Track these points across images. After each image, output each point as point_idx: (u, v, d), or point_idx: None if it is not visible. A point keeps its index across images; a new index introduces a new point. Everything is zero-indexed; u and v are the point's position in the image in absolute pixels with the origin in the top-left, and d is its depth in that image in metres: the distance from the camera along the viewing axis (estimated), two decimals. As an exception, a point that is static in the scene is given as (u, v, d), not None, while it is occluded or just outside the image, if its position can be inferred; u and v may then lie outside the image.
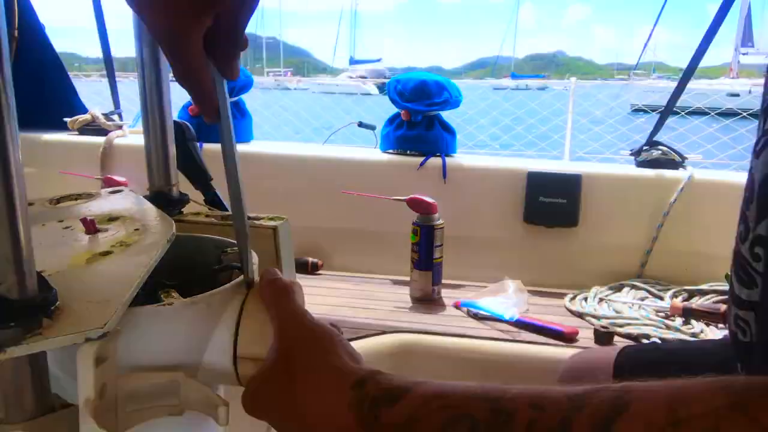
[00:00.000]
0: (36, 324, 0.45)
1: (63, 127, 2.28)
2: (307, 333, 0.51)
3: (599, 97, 4.59)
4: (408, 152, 2.03)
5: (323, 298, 1.72)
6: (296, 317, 0.52)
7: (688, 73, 2.08)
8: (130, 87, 2.56)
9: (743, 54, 30.69)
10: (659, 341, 1.43)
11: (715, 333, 1.49)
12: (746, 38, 31.82)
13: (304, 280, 2.03)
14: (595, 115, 3.96)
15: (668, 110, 2.08)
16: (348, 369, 0.48)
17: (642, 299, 1.68)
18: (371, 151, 2.14)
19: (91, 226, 0.65)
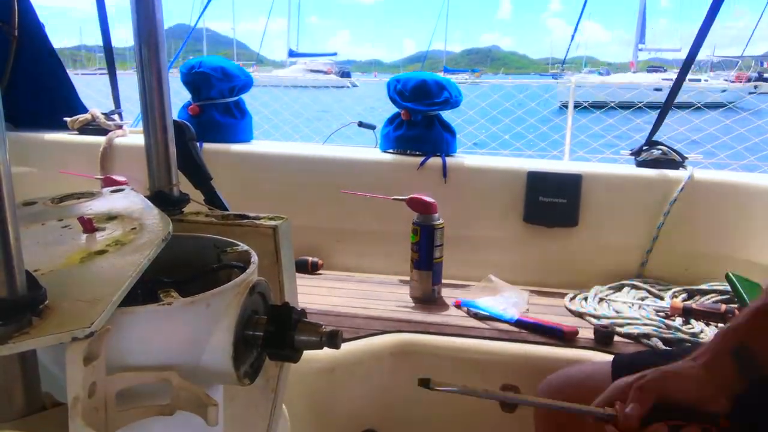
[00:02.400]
0: (24, 323, 0.45)
1: (63, 126, 2.28)
2: None
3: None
4: (408, 152, 2.03)
5: (323, 298, 1.72)
6: None
7: (685, 69, 2.07)
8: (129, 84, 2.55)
9: (640, 50, 37.10)
10: (654, 344, 1.42)
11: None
12: (642, 35, 37.74)
13: (304, 280, 2.04)
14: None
15: (666, 109, 2.07)
16: None
17: (642, 299, 1.68)
18: (371, 151, 2.13)
19: (88, 225, 0.65)
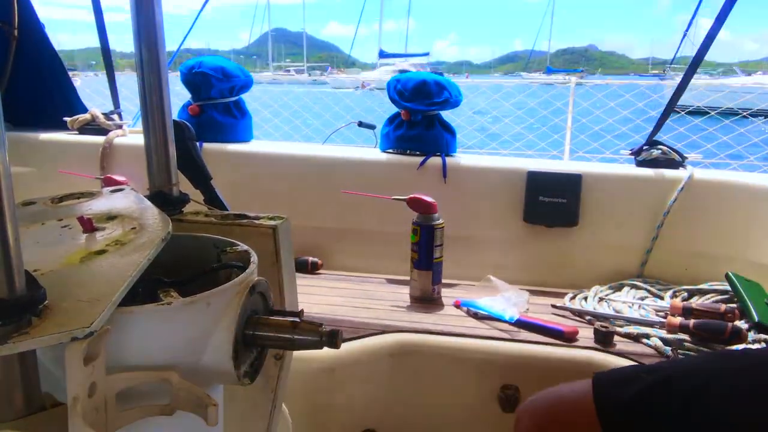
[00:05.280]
0: (24, 323, 0.45)
1: (63, 126, 2.28)
2: None
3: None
4: (408, 152, 2.03)
5: (323, 297, 1.72)
6: None
7: (693, 68, 2.06)
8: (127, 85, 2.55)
9: None
10: (655, 344, 1.42)
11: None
12: None
13: (304, 280, 2.04)
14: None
15: (670, 109, 2.07)
16: None
17: (642, 299, 1.68)
18: (371, 151, 2.13)
19: (88, 225, 0.65)
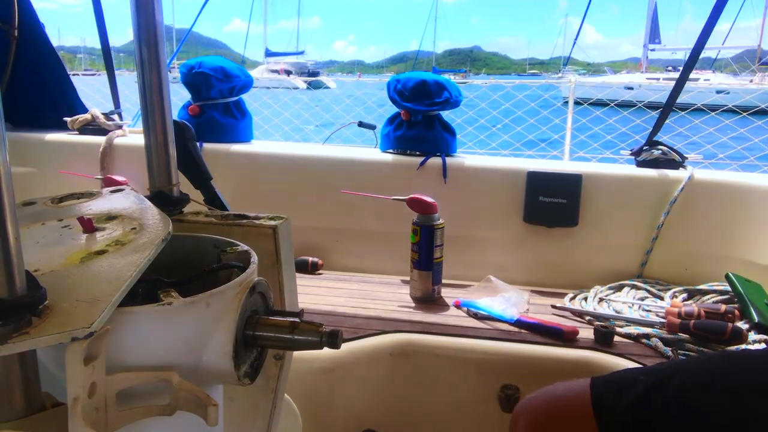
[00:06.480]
0: (24, 323, 0.45)
1: (63, 126, 2.28)
2: None
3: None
4: (408, 152, 2.03)
5: (323, 297, 1.72)
6: None
7: (687, 69, 2.07)
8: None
9: (651, 50, 33.65)
10: (655, 344, 1.42)
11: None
12: (654, 35, 34.05)
13: (304, 280, 2.04)
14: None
15: (668, 109, 2.07)
16: None
17: (642, 299, 1.68)
18: (371, 151, 2.13)
19: (88, 225, 0.65)
